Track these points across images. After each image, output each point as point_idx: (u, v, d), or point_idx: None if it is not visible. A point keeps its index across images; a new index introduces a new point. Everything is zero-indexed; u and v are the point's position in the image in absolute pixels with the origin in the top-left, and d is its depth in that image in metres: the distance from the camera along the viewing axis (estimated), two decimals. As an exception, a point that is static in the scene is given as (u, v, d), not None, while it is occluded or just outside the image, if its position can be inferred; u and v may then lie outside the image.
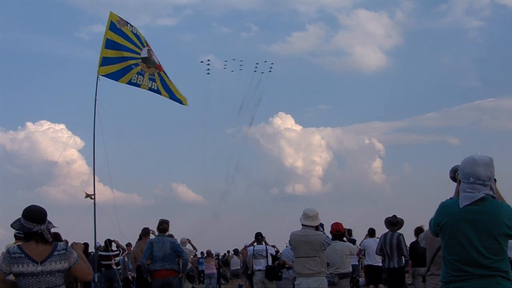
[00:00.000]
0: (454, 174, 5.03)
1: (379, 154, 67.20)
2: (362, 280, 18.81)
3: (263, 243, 16.91)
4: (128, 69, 15.95)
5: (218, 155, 75.79)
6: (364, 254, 17.68)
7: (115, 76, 15.82)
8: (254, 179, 74.21)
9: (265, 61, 56.45)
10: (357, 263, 19.77)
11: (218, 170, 75.18)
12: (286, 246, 15.24)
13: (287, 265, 15.63)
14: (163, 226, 12.28)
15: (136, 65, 16.11)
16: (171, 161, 71.51)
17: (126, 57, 15.89)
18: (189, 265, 19.28)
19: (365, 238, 16.78)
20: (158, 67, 16.55)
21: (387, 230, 13.39)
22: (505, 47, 71.46)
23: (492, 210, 4.36)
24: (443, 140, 72.55)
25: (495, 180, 4.53)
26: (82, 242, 17.78)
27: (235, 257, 25.02)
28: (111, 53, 15.64)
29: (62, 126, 59.94)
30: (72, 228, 15.15)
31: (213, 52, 66.83)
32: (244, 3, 79.66)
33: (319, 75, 79.85)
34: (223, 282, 27.65)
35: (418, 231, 12.38)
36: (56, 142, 58.81)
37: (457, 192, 4.67)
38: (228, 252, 29.63)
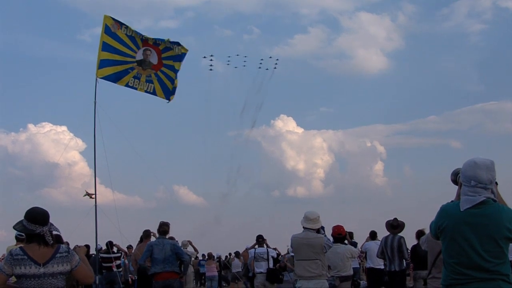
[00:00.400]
0: (455, 177, 5.03)
1: (381, 157, 67.14)
2: (363, 283, 18.79)
3: (265, 246, 16.91)
4: (125, 72, 16.09)
5: (220, 158, 75.65)
6: (365, 257, 17.66)
7: (114, 78, 15.95)
8: (256, 181, 74.24)
9: (270, 57, 56.46)
10: (358, 266, 19.77)
11: (219, 173, 75.20)
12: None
13: (288, 268, 15.64)
14: (164, 228, 12.28)
15: (132, 69, 16.24)
16: (172, 163, 71.43)
17: (122, 61, 16.03)
18: (191, 268, 19.33)
19: (366, 241, 16.77)
20: (155, 67, 16.58)
21: (388, 233, 13.38)
22: (507, 50, 71.46)
23: (493, 214, 4.36)
24: (445, 143, 72.49)
25: (496, 184, 4.53)
26: (84, 244, 17.87)
27: (236, 259, 25.04)
28: (108, 56, 15.77)
29: (64, 128, 59.94)
30: (73, 230, 15.17)
31: (215, 55, 66.73)
32: (246, 6, 79.73)
33: (321, 78, 79.89)
34: (224, 284, 27.66)
35: (420, 234, 12.36)
36: (58, 144, 58.76)
37: (458, 195, 4.67)
38: (230, 254, 29.66)
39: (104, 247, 18.05)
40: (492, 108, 68.71)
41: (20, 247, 5.20)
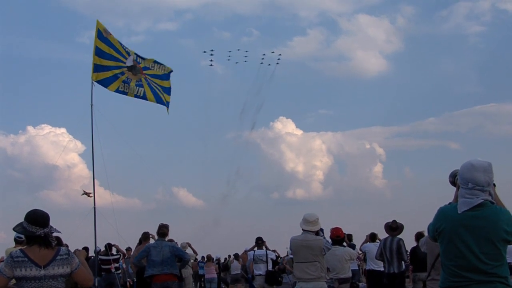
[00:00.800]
0: (453, 179, 5.03)
1: (380, 159, 67.35)
2: (362, 285, 18.78)
3: (264, 248, 16.91)
4: (114, 78, 16.19)
5: (219, 160, 75.77)
6: (364, 259, 17.66)
7: (105, 83, 16.06)
8: (255, 183, 74.32)
9: (272, 52, 56.47)
10: (357, 268, 19.76)
11: (219, 175, 75.37)
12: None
13: (287, 270, 15.64)
14: (163, 230, 12.29)
15: (122, 73, 16.32)
16: (171, 165, 71.44)
17: (112, 66, 16.15)
18: (190, 270, 19.31)
19: (365, 242, 16.78)
20: (142, 72, 16.65)
21: (387, 235, 13.39)
22: (506, 52, 71.69)
23: (491, 216, 4.36)
24: (444, 145, 72.67)
25: (494, 185, 4.53)
26: (83, 247, 17.87)
27: (235, 261, 25.01)
28: (101, 61, 15.89)
29: (63, 130, 60.07)
30: (72, 232, 15.17)
31: (214, 57, 66.81)
32: (245, 8, 79.97)
33: (320, 80, 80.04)
34: (223, 286, 27.62)
35: (419, 236, 12.36)
36: (57, 146, 58.90)
37: (456, 197, 4.67)
38: (229, 256, 29.62)
39: (103, 249, 18.05)
40: (492, 110, 69.03)
41: (21, 249, 5.20)
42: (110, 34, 16.11)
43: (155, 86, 16.89)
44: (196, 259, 24.86)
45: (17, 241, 9.99)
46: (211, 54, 54.72)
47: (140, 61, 16.46)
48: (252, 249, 17.30)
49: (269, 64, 56.97)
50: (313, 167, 66.68)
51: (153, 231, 13.00)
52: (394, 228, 13.20)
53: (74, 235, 15.38)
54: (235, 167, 60.71)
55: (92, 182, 15.78)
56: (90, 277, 5.55)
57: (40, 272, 5.08)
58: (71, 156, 56.70)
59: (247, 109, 61.90)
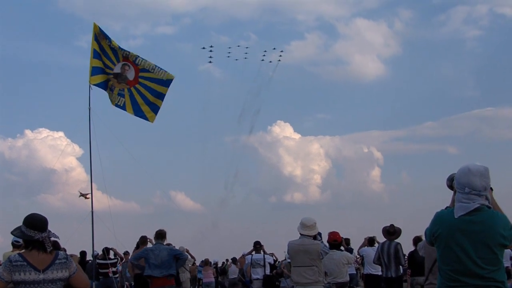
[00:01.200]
0: (451, 183, 5.05)
1: (378, 163, 67.33)
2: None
3: (262, 252, 16.91)
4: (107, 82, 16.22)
5: (217, 163, 75.75)
6: (362, 263, 17.66)
7: (104, 86, 16.05)
8: (253, 187, 74.30)
9: (274, 48, 56.43)
10: (355, 272, 19.76)
11: (216, 179, 75.19)
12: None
13: (285, 274, 15.64)
14: (160, 231, 12.30)
15: (108, 80, 16.32)
16: (169, 169, 71.43)
17: (106, 71, 16.17)
18: (188, 274, 19.28)
19: (363, 246, 16.78)
20: (130, 83, 16.58)
21: (385, 239, 13.38)
22: (504, 56, 71.86)
23: (487, 220, 4.36)
24: (442, 149, 72.82)
25: (491, 189, 4.54)
26: (80, 250, 17.86)
27: (233, 265, 24.99)
28: (98, 63, 15.89)
29: (61, 133, 59.97)
30: (70, 236, 15.15)
31: (212, 61, 66.90)
32: (243, 12, 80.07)
33: (317, 84, 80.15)
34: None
35: (417, 240, 12.35)
36: (55, 149, 58.84)
37: (453, 201, 4.68)
38: (227, 260, 29.60)
39: (100, 253, 18.03)
40: (489, 114, 69.15)
41: (19, 253, 5.20)
42: (104, 38, 16.11)
43: (137, 95, 16.75)
44: (194, 263, 24.86)
45: (15, 245, 9.98)
46: (210, 51, 54.62)
47: (140, 63, 16.39)
48: (250, 253, 17.32)
49: (271, 61, 56.99)
50: (311, 171, 66.71)
51: (151, 235, 13.00)
52: (392, 232, 13.19)
53: (72, 239, 15.33)
54: (233, 171, 60.60)
55: (90, 186, 15.78)
56: (87, 282, 5.57)
57: (39, 276, 5.08)
58: (68, 160, 56.63)
59: (245, 112, 61.81)
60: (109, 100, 16.47)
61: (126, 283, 20.80)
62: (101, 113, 16.36)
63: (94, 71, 15.82)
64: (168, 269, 11.77)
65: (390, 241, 13.16)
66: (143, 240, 15.17)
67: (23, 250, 5.33)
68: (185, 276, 18.84)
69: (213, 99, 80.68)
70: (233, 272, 24.40)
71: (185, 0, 74.53)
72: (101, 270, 17.67)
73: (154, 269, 11.72)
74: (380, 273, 14.52)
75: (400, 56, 73.47)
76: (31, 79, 74.42)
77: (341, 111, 78.78)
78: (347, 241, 17.75)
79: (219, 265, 29.80)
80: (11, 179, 62.14)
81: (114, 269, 18.38)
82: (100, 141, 15.77)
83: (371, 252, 15.34)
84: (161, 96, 16.70)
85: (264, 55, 56.67)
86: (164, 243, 12.38)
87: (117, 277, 18.89)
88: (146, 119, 16.72)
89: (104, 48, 16.17)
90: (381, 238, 13.89)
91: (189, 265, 20.72)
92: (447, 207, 4.82)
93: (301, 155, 67.69)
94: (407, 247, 13.36)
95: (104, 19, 73.60)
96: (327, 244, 10.89)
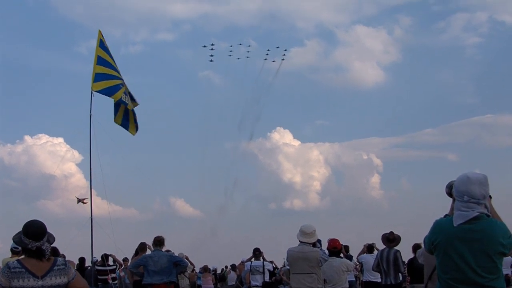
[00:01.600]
0: (450, 190, 5.04)
1: (377, 169, 67.38)
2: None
3: (261, 259, 16.89)
4: (117, 88, 16.19)
5: (217, 170, 75.74)
6: (361, 270, 17.63)
7: (108, 92, 16.03)
8: (252, 194, 74.30)
9: (277, 47, 56.38)
10: (354, 279, 19.72)
11: (216, 185, 75.28)
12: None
13: (284, 281, 15.61)
14: (159, 238, 12.27)
15: (122, 85, 16.34)
16: (169, 176, 71.45)
17: (114, 76, 16.17)
18: (187, 280, 19.25)
19: (362, 252, 16.75)
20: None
21: (384, 246, 13.36)
22: (503, 63, 72.03)
23: (487, 229, 4.36)
24: (441, 156, 72.92)
25: (490, 197, 4.53)
26: (79, 257, 17.84)
27: (232, 272, 24.97)
28: (103, 70, 15.87)
29: (61, 139, 60.09)
30: (69, 242, 15.15)
31: (211, 68, 67.00)
32: (243, 19, 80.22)
33: (317, 91, 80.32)
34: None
35: (416, 247, 12.33)
36: (54, 155, 58.91)
37: (453, 209, 4.67)
38: (226, 267, 29.57)
39: (99, 260, 18.01)
40: (489, 121, 69.28)
41: (18, 260, 5.20)
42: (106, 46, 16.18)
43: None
44: (193, 270, 24.84)
45: (14, 251, 9.98)
46: (211, 49, 54.53)
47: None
48: (249, 260, 17.29)
49: (274, 61, 57.02)
50: (311, 177, 66.79)
51: (150, 241, 12.99)
52: (391, 239, 13.17)
53: (71, 245, 15.35)
54: (233, 178, 60.66)
55: (89, 192, 15.77)
56: (86, 287, 5.56)
57: (37, 283, 5.07)
58: (68, 166, 56.69)
59: (245, 119, 61.94)
60: (128, 105, 16.49)
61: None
62: (101, 119, 16.37)
63: (97, 77, 15.79)
64: (168, 276, 11.75)
65: (390, 248, 13.13)
66: (142, 246, 15.15)
67: (22, 257, 5.33)
68: (184, 283, 18.81)
69: (213, 106, 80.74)
70: (232, 278, 24.38)
71: (185, 6, 74.91)
72: (100, 277, 17.65)
73: (153, 276, 11.69)
74: (379, 280, 14.49)
75: (399, 63, 73.74)
76: (30, 85, 74.67)
77: (341, 117, 78.96)
78: (346, 248, 17.73)
79: (218, 271, 29.77)
80: (10, 185, 62.24)
81: (113, 275, 18.35)
82: (100, 147, 15.78)
83: (370, 259, 15.32)
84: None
85: (267, 54, 56.63)
86: (163, 250, 12.35)
87: (116, 284, 18.85)
88: (127, 129, 17.01)
89: (111, 53, 16.23)
90: (380, 245, 13.87)
91: (188, 272, 20.69)
92: (446, 215, 4.82)
93: (300, 162, 67.82)
94: (406, 254, 13.35)
95: (104, 26, 73.92)
96: (326, 251, 10.88)
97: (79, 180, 57.46)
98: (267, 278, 16.47)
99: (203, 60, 57.89)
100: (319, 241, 10.29)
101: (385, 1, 79.54)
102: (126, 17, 78.28)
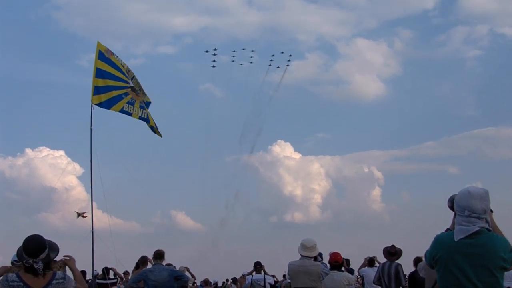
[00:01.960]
0: (451, 204, 5.04)
1: (378, 182, 67.12)
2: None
3: (262, 272, 16.83)
4: (119, 98, 16.18)
5: (218, 183, 75.59)
6: (362, 284, 17.57)
7: (107, 105, 16.04)
8: (253, 207, 74.15)
9: (282, 52, 56.25)
10: (356, 293, 19.65)
11: (217, 198, 75.05)
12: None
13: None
14: (158, 251, 12.22)
15: (126, 94, 16.34)
16: (170, 189, 71.37)
17: (116, 86, 16.15)
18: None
19: (363, 266, 16.70)
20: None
21: (386, 259, 13.33)
22: (504, 76, 72.01)
23: (488, 243, 4.36)
24: (442, 169, 72.74)
25: (491, 211, 4.53)
26: (80, 270, 17.76)
27: (233, 285, 24.89)
28: (102, 82, 15.88)
29: (61, 152, 59.96)
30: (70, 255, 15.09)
31: (212, 81, 67.11)
32: (244, 32, 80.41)
33: (318, 104, 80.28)
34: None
35: (417, 261, 12.32)
36: (55, 168, 58.79)
37: (454, 223, 4.66)
38: (227, 280, 29.47)
39: (100, 273, 17.96)
40: (490, 134, 69.14)
41: (17, 273, 5.20)
42: (112, 54, 16.15)
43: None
44: (194, 283, 24.76)
45: (14, 264, 9.93)
46: (214, 54, 54.42)
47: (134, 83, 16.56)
48: (250, 273, 17.23)
49: (278, 67, 56.97)
50: (311, 190, 66.55)
51: (151, 254, 12.96)
52: (392, 253, 13.14)
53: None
54: (234, 191, 60.52)
55: (90, 205, 15.75)
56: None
57: (35, 297, 5.06)
58: (69, 179, 56.55)
59: (247, 132, 61.89)
60: (132, 114, 16.50)
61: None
62: (102, 132, 16.37)
63: (97, 90, 15.81)
64: (169, 290, 11.69)
65: (391, 261, 13.10)
66: (143, 260, 15.09)
67: (21, 270, 5.32)
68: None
69: (214, 118, 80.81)
70: (233, 292, 24.31)
71: (186, 19, 75.14)
72: (100, 290, 17.59)
73: (154, 290, 11.63)
74: (381, 293, 14.45)
75: (400, 76, 73.78)
76: (31, 98, 74.81)
77: (342, 130, 78.90)
78: (348, 261, 17.68)
79: (219, 284, 29.65)
80: (11, 198, 62.13)
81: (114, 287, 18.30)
82: (101, 160, 15.74)
83: (371, 273, 15.27)
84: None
85: (271, 60, 56.54)
86: (163, 263, 12.30)
87: (116, 297, 18.79)
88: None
89: (115, 62, 16.20)
90: (381, 258, 13.83)
91: (190, 285, 20.61)
92: (447, 229, 4.82)
93: (301, 175, 67.63)
94: (407, 267, 13.32)
95: (105, 38, 73.97)
96: (327, 265, 10.85)
97: (80, 193, 57.36)
98: (268, 292, 16.40)
99: (204, 73, 57.97)
100: (320, 254, 10.27)
101: (385, 14, 79.83)
102: (127, 30, 78.57)
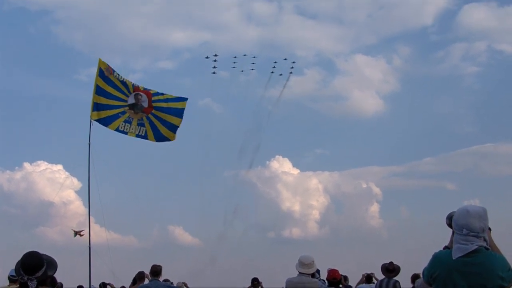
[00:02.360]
0: (450, 221, 5.04)
1: (377, 198, 66.90)
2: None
3: (259, 289, 16.80)
4: (115, 117, 16.30)
5: (216, 198, 75.38)
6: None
7: (105, 122, 16.15)
8: (251, 222, 73.84)
9: (285, 59, 56.02)
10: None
11: (215, 213, 74.90)
12: None
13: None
14: (155, 268, 12.19)
15: (123, 113, 16.45)
16: (168, 203, 71.11)
17: (113, 105, 16.27)
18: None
19: (361, 282, 16.67)
20: (146, 110, 16.76)
21: (384, 276, 13.31)
22: (502, 92, 72.00)
23: (485, 262, 4.36)
24: (441, 185, 72.39)
25: (490, 229, 4.54)
26: (77, 285, 17.72)
27: (230, 301, 24.81)
28: (101, 100, 16.01)
29: (60, 166, 59.81)
30: (67, 270, 15.06)
31: (211, 96, 67.14)
32: (243, 47, 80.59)
33: (316, 119, 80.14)
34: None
35: (415, 277, 12.31)
36: (53, 182, 58.62)
37: (452, 241, 4.67)
38: (224, 296, 29.42)
39: (97, 288, 17.90)
40: (488, 150, 69.03)
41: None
42: (112, 73, 16.26)
43: (156, 120, 17.01)
44: (191, 298, 24.68)
45: (11, 279, 9.91)
46: (215, 60, 54.22)
47: (150, 89, 16.63)
48: (247, 289, 17.19)
49: (281, 74, 56.84)
50: (310, 206, 66.32)
51: (149, 270, 12.94)
52: (390, 270, 13.13)
53: (69, 273, 15.26)
54: (232, 206, 60.39)
55: (88, 220, 15.75)
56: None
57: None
58: (67, 193, 56.35)
59: (245, 147, 61.86)
60: (128, 133, 16.57)
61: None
62: (100, 146, 16.40)
63: (96, 107, 15.92)
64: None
65: (389, 278, 13.09)
66: (141, 276, 15.05)
67: (17, 286, 5.32)
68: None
69: (213, 134, 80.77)
70: (231, 308, 24.22)
71: (185, 35, 75.16)
72: (97, 306, 17.51)
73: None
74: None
75: (399, 92, 73.75)
76: (30, 112, 74.51)
77: (340, 146, 78.74)
78: (345, 278, 17.64)
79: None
80: (9, 212, 61.86)
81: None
82: (99, 175, 15.77)
83: (369, 290, 15.25)
84: (178, 114, 16.98)
85: (274, 67, 56.42)
86: (160, 279, 12.26)
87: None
88: (168, 139, 17.03)
89: (113, 82, 16.32)
90: (379, 275, 13.81)
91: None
92: (445, 246, 4.82)
93: (299, 191, 67.43)
94: (405, 283, 13.29)
95: (104, 53, 73.99)
96: (326, 282, 10.83)
97: (78, 207, 57.14)
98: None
99: (203, 88, 58.01)
100: (318, 271, 10.23)
101: (384, 31, 80.00)
102: (126, 45, 78.58)
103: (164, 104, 16.97)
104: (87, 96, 16.01)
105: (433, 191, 70.67)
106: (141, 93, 16.74)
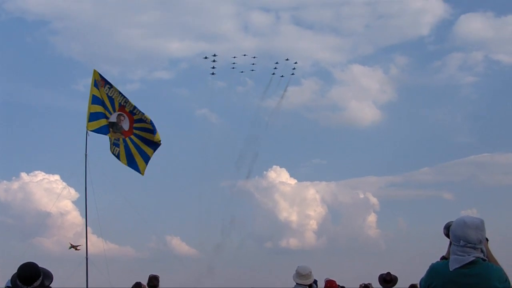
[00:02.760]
0: (447, 231, 5.05)
1: (374, 208, 66.96)
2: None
3: (257, 299, 16.79)
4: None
5: (213, 208, 75.27)
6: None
7: (104, 130, 16.14)
8: (249, 232, 73.75)
9: (287, 59, 55.92)
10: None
11: (212, 224, 74.70)
12: None
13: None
14: (153, 282, 12.15)
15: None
16: (165, 214, 71.04)
17: (106, 116, 16.31)
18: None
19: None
20: (125, 133, 16.74)
21: (381, 286, 13.28)
22: (499, 102, 72.34)
23: (482, 273, 4.36)
24: (438, 195, 72.59)
25: (487, 240, 4.55)
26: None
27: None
28: (98, 108, 16.00)
29: (57, 177, 59.75)
30: (65, 280, 15.03)
31: (208, 106, 67.24)
32: (240, 57, 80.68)
33: (314, 129, 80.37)
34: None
35: (412, 288, 12.30)
36: (50, 193, 58.52)
37: (449, 252, 4.68)
38: (221, 306, 29.36)
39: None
40: (485, 160, 69.20)
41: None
42: (103, 86, 16.28)
43: (132, 145, 17.00)
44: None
45: (8, 290, 9.89)
46: (214, 61, 54.17)
47: (137, 112, 16.56)
48: (245, 300, 17.18)
49: (282, 76, 56.84)
50: (307, 216, 66.32)
51: (146, 280, 12.91)
52: (388, 280, 13.09)
53: (67, 283, 15.22)
54: (229, 216, 60.30)
55: (85, 230, 15.72)
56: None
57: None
58: (64, 203, 56.27)
59: (243, 158, 61.86)
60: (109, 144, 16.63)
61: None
62: (97, 157, 16.41)
63: (92, 117, 15.92)
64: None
65: (386, 289, 13.06)
66: (138, 286, 15.03)
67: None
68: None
69: (210, 144, 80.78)
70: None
71: (182, 45, 75.54)
72: (94, 316, 17.46)
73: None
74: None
75: (395, 102, 74.01)
76: (27, 122, 74.67)
77: (337, 156, 78.90)
78: (342, 289, 17.61)
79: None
80: (6, 222, 61.76)
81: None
82: (96, 185, 15.75)
83: (366, 300, 15.21)
84: (152, 146, 16.90)
85: (275, 68, 56.37)
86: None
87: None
88: (139, 171, 16.90)
89: (101, 96, 16.34)
90: (376, 285, 13.79)
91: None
92: (442, 257, 4.82)
93: (297, 201, 67.43)
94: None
95: (101, 64, 74.13)
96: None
97: (75, 217, 57.07)
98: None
99: (201, 98, 57.99)
100: (315, 282, 10.21)
101: (381, 41, 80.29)
102: (123, 55, 78.83)
103: (143, 134, 16.94)
104: (84, 106, 16.08)
105: (430, 201, 70.88)
106: (125, 115, 16.69)
